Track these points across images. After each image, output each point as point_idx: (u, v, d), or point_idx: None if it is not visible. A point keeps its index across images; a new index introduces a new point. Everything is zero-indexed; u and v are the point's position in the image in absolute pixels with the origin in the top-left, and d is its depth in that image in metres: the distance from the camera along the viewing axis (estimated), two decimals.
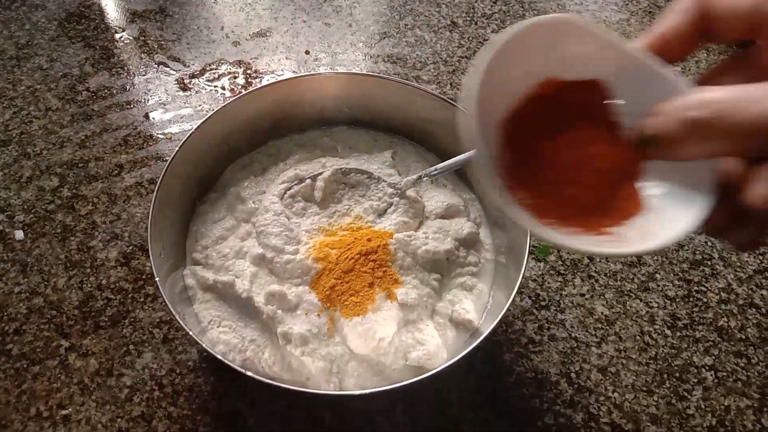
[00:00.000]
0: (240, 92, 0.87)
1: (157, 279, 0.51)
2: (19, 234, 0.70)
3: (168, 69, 0.91)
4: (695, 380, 0.64)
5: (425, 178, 0.63)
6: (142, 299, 0.65)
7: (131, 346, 0.62)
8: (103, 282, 0.67)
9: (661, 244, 0.32)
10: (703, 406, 0.62)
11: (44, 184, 0.75)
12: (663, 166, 0.33)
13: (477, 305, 0.59)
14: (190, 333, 0.48)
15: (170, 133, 0.82)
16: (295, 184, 0.64)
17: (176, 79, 0.89)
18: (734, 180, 0.30)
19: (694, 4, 0.32)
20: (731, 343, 0.66)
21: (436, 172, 0.62)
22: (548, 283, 0.70)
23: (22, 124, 0.81)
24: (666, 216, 0.34)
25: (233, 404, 0.59)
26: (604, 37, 0.34)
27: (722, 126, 0.27)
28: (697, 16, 0.32)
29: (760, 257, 0.74)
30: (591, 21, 1.04)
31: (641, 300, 0.69)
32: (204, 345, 0.49)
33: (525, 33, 0.32)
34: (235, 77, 0.90)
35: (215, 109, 0.62)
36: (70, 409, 0.58)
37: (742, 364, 0.65)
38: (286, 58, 0.94)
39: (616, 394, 0.62)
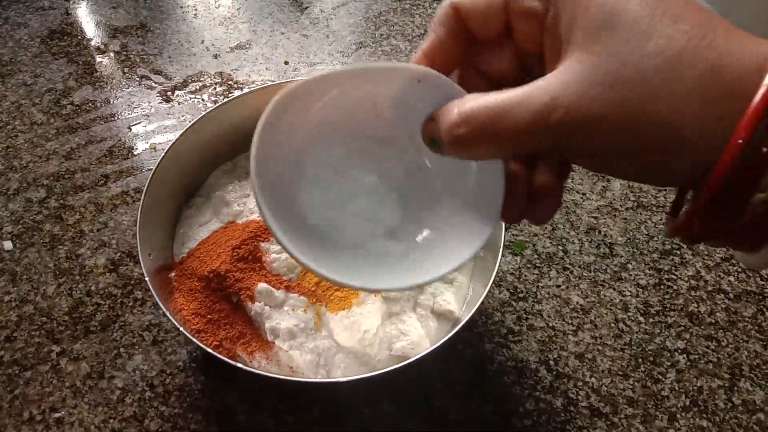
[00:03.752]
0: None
1: (147, 279, 0.53)
2: (8, 244, 0.71)
3: (150, 82, 0.93)
4: (668, 363, 0.66)
5: None
6: (131, 304, 0.67)
7: (122, 349, 0.63)
8: (92, 288, 0.68)
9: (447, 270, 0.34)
10: (676, 388, 0.64)
11: (31, 195, 0.76)
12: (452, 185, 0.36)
13: (457, 297, 0.62)
14: (181, 329, 0.50)
15: (154, 143, 0.84)
16: None
17: (159, 92, 0.91)
18: (517, 175, 0.33)
19: (447, 13, 0.31)
20: (701, 327, 0.69)
21: None
22: (525, 275, 0.72)
23: (8, 139, 0.83)
24: (450, 244, 0.35)
25: (223, 401, 0.60)
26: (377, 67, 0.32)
27: (486, 136, 0.28)
28: (453, 25, 0.31)
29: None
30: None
31: (615, 289, 0.72)
32: (195, 341, 0.50)
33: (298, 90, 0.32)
34: (216, 88, 0.93)
35: (197, 118, 0.64)
36: (62, 412, 0.59)
37: (713, 347, 0.68)
38: (266, 69, 0.97)
39: (593, 379, 0.64)
